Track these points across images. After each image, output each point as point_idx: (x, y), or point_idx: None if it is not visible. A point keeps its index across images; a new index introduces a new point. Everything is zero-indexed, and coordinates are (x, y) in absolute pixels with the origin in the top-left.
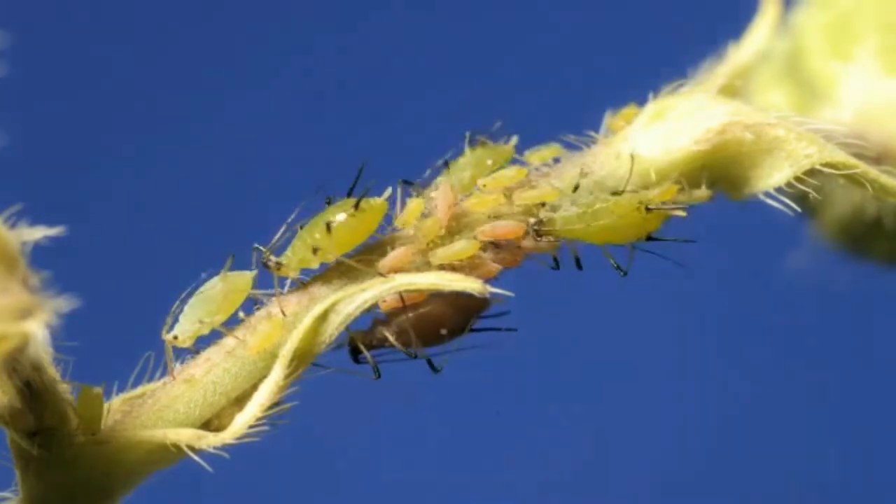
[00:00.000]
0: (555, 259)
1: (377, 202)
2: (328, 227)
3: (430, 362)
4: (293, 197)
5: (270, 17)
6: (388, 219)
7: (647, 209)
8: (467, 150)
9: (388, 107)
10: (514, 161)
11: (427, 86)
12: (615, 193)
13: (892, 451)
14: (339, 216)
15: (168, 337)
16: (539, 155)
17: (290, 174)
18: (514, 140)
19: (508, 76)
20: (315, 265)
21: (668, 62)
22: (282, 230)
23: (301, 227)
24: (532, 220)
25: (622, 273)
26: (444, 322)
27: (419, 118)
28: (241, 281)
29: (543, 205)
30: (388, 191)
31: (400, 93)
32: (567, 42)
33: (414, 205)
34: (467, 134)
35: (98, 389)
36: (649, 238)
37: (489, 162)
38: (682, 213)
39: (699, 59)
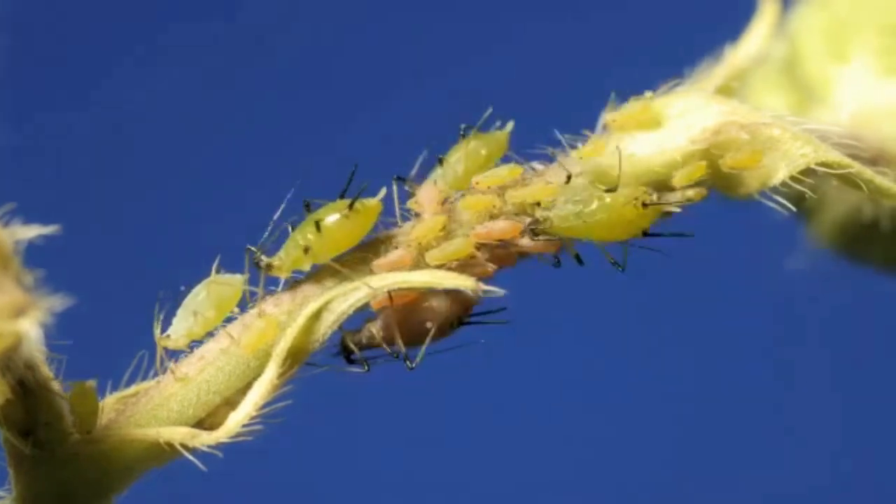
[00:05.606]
0: (555, 257)
1: (372, 203)
2: (320, 227)
3: (405, 357)
4: (293, 195)
5: (268, 17)
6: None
7: (643, 205)
8: (460, 143)
9: (385, 105)
10: (506, 158)
11: (424, 85)
12: (609, 190)
13: (892, 451)
14: (332, 217)
15: (161, 337)
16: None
17: (288, 172)
18: (510, 126)
19: (505, 75)
20: (307, 267)
21: (665, 62)
22: (269, 230)
23: (293, 228)
24: (528, 219)
25: (620, 269)
26: (430, 315)
27: (417, 117)
28: (231, 283)
29: (538, 204)
30: (383, 191)
31: (398, 92)
32: (564, 41)
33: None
34: (461, 127)
35: (91, 383)
36: (645, 234)
37: (483, 152)
38: (677, 210)
39: (696, 59)
